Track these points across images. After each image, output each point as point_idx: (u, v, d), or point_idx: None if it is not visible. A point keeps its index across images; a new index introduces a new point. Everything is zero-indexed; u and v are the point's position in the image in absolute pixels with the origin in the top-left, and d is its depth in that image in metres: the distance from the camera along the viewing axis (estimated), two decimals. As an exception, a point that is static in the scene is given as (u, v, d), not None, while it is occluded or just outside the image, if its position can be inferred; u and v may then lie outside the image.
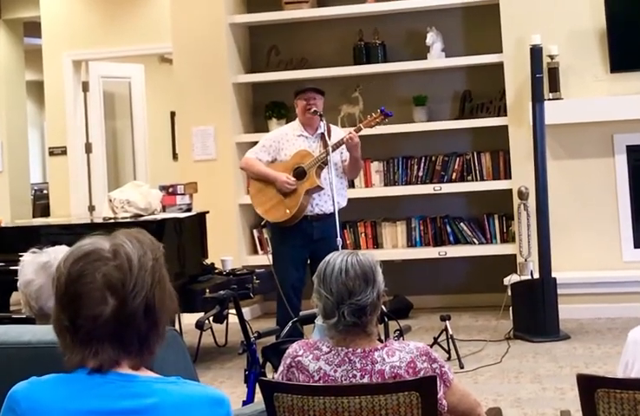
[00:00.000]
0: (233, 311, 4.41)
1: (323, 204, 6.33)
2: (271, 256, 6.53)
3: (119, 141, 10.42)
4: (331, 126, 6.58)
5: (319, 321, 2.90)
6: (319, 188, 6.30)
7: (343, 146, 6.26)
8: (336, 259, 2.85)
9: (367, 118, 6.41)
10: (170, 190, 7.07)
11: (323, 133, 6.35)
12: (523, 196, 7.40)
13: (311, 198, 6.34)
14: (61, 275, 1.88)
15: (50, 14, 9.86)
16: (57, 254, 2.84)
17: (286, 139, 6.45)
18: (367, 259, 2.85)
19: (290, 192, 6.33)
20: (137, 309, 1.85)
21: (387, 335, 4.44)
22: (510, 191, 7.80)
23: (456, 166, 8.22)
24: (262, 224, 6.70)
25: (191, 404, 1.85)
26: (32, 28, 10.58)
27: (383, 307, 2.99)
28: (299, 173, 6.33)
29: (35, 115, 14.72)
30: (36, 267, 2.86)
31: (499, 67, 7.89)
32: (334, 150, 6.21)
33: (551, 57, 7.58)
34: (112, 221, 6.67)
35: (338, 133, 6.48)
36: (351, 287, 2.78)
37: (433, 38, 8.19)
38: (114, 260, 1.86)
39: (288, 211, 6.32)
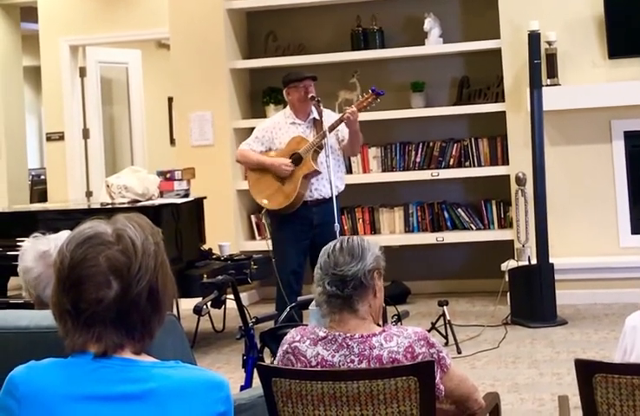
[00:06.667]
0: (231, 296, 4.41)
1: (321, 188, 6.30)
2: (270, 242, 6.53)
3: (116, 127, 10.41)
4: (323, 109, 6.54)
5: (313, 306, 2.91)
6: (317, 172, 6.27)
7: (338, 128, 6.23)
8: (335, 241, 2.92)
9: (359, 99, 6.38)
10: (167, 175, 7.06)
11: (315, 118, 6.33)
12: (520, 182, 7.39)
13: (310, 183, 6.32)
14: (63, 258, 1.87)
15: (47, -1, 9.83)
16: (58, 242, 2.83)
17: (279, 128, 6.43)
18: (360, 239, 2.92)
19: (288, 178, 6.30)
20: (141, 293, 1.85)
21: (385, 321, 4.44)
22: (507, 176, 7.80)
23: (454, 152, 8.22)
24: (261, 212, 6.67)
25: (190, 388, 1.85)
26: (29, 13, 10.55)
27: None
28: (296, 160, 6.30)
29: (32, 101, 14.70)
30: (36, 255, 2.85)
31: (497, 53, 7.87)
32: (330, 131, 6.18)
33: (549, 43, 7.57)
34: (109, 206, 6.66)
35: (331, 115, 6.45)
36: (336, 259, 2.84)
37: (430, 24, 8.16)
38: (117, 244, 1.86)
39: (287, 197, 6.30)
